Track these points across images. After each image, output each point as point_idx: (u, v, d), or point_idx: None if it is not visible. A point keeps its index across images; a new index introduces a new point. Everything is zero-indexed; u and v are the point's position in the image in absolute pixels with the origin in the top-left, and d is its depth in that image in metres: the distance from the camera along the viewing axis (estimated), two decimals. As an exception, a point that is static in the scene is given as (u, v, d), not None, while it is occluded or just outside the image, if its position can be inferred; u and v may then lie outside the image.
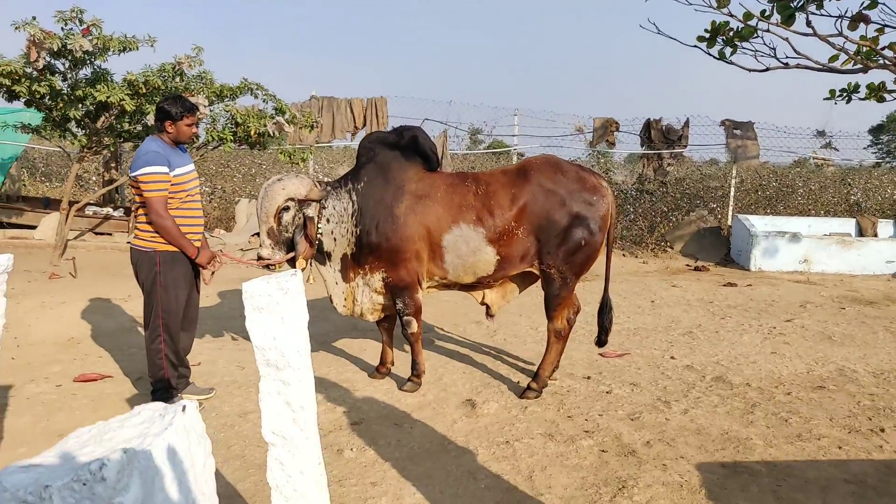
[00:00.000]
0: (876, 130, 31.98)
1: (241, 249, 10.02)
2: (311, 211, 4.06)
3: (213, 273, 3.91)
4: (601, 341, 4.52)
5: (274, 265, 4.06)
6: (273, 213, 4.00)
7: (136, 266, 3.79)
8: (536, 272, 4.25)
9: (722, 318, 6.48)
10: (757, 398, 4.20)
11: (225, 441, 3.52)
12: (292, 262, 4.09)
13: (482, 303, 4.54)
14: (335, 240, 4.22)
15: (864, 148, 15.90)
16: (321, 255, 4.29)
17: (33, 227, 10.50)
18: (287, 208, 4.01)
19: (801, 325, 6.16)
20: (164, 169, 3.65)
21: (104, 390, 4.19)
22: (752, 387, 4.42)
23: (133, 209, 3.93)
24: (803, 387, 4.43)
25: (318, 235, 4.15)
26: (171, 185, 3.70)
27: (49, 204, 11.12)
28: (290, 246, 4.09)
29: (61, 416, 3.74)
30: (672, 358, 5.11)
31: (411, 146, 4.24)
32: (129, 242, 3.82)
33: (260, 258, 4.06)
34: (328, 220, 4.18)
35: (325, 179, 4.36)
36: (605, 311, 4.43)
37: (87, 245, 10.04)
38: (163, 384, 3.80)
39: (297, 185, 4.02)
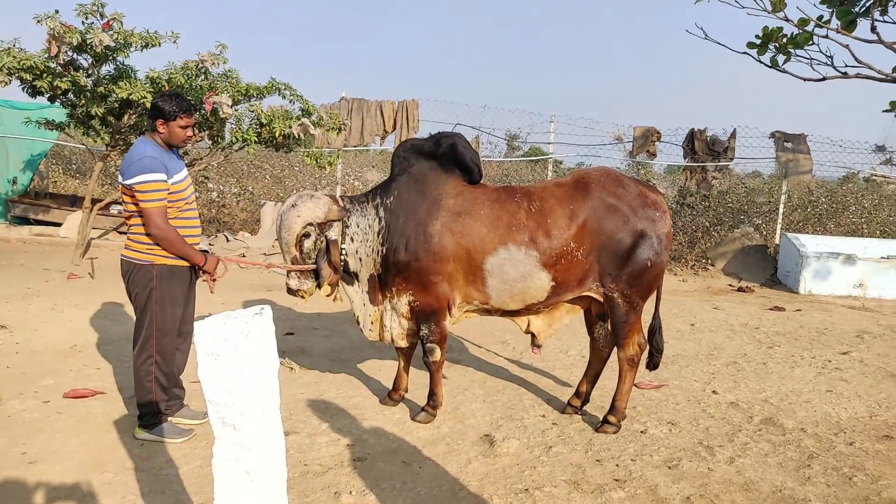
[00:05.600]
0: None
1: (265, 254, 9.77)
2: (333, 233, 3.71)
3: (214, 280, 3.59)
4: (654, 364, 4.14)
5: (301, 293, 3.80)
6: (293, 243, 3.69)
7: (128, 280, 3.46)
8: (598, 297, 3.84)
9: (770, 348, 5.94)
10: (814, 448, 3.71)
11: (210, 478, 3.16)
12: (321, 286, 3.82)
13: (527, 331, 4.11)
14: (360, 259, 3.87)
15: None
16: (348, 276, 3.95)
17: (59, 225, 10.42)
18: (307, 234, 3.69)
19: (859, 360, 5.59)
20: (163, 176, 3.32)
21: (92, 409, 3.88)
22: (808, 433, 3.92)
23: (125, 218, 3.60)
24: (867, 435, 3.91)
25: (343, 256, 3.82)
26: (170, 193, 3.38)
27: (76, 201, 11.03)
28: (318, 272, 3.78)
29: (39, 440, 3.42)
30: (714, 392, 4.63)
31: (450, 156, 3.84)
32: (121, 255, 3.50)
33: (288, 289, 3.81)
34: (352, 239, 3.82)
35: (348, 195, 4.02)
36: (655, 332, 4.08)
37: (111, 244, 9.88)
38: (150, 408, 3.46)
39: (312, 208, 3.67)
